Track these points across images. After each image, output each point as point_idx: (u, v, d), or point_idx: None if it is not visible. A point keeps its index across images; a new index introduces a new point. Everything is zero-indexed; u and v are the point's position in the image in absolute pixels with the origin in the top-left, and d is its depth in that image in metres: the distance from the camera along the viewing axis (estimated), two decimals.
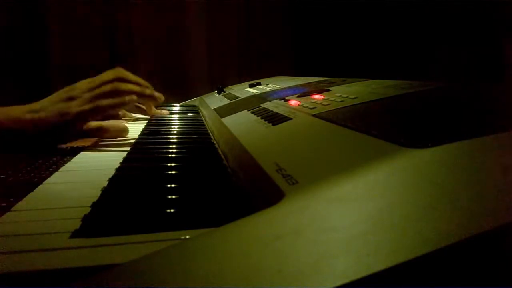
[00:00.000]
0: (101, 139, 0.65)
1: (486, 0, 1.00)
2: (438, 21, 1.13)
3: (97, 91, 0.62)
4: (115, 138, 0.65)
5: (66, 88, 0.63)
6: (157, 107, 0.88)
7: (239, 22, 1.57)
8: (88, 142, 0.66)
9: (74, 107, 0.59)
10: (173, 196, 0.34)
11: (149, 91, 0.70)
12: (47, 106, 0.59)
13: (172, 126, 0.74)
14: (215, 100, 0.91)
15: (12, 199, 0.34)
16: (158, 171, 0.42)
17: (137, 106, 0.83)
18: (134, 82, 0.68)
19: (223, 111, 0.68)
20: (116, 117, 0.76)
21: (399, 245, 0.16)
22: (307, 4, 1.51)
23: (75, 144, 0.66)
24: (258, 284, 0.15)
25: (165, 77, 1.50)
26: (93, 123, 0.66)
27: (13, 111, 0.58)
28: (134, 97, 0.64)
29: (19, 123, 0.57)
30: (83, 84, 0.63)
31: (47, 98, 0.62)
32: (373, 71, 0.71)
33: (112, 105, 0.62)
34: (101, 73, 0.65)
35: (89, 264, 0.22)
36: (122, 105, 0.64)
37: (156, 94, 0.73)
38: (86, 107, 0.60)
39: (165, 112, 0.78)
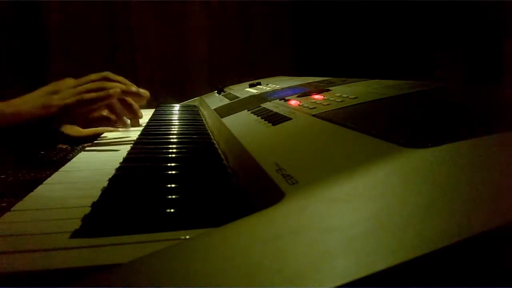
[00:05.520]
0: (101, 139, 0.65)
1: (486, 0, 1.00)
2: (438, 21, 1.13)
3: (82, 87, 0.63)
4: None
5: (50, 84, 0.63)
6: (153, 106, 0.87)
7: (239, 22, 1.57)
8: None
9: (57, 100, 0.60)
10: (173, 196, 0.34)
11: (134, 88, 0.70)
12: (30, 100, 0.60)
13: (172, 126, 0.74)
14: (215, 100, 0.91)
15: (12, 199, 0.34)
16: (158, 171, 0.42)
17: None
18: (121, 82, 0.68)
19: (223, 111, 0.68)
20: (109, 123, 0.75)
21: (399, 245, 0.16)
22: (307, 4, 1.51)
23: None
24: (258, 283, 0.15)
25: (165, 77, 1.50)
26: (89, 130, 0.67)
27: None
28: (118, 90, 0.65)
29: (1, 116, 0.57)
30: (68, 81, 0.64)
31: (30, 93, 0.62)
32: (373, 71, 0.71)
33: (96, 98, 0.62)
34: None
35: (89, 264, 0.22)
36: (107, 98, 0.64)
37: (141, 91, 0.73)
38: (71, 100, 0.60)
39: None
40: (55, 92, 0.61)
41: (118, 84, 0.67)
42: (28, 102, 0.59)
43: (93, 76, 0.66)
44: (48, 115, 0.58)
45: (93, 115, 0.69)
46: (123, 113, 0.67)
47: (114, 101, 0.65)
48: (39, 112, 0.58)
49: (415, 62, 1.20)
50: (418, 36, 1.18)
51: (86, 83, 0.64)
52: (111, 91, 0.64)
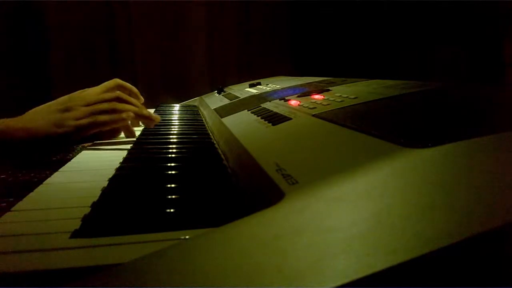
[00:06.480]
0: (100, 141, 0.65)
1: (486, 0, 1.00)
2: (438, 21, 1.13)
3: (95, 107, 0.62)
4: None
5: (62, 99, 0.62)
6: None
7: (239, 22, 1.57)
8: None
9: (71, 120, 0.59)
10: (173, 196, 0.34)
11: (146, 112, 0.69)
12: (40, 117, 0.59)
13: (172, 126, 0.74)
14: (215, 100, 0.91)
15: (12, 199, 0.34)
16: (158, 171, 0.42)
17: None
18: (133, 104, 0.67)
19: (223, 111, 0.68)
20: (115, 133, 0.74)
21: (399, 245, 0.16)
22: (307, 4, 1.51)
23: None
24: (258, 283, 0.15)
25: (165, 77, 1.50)
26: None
27: (5, 121, 0.57)
28: (132, 114, 0.64)
29: (11, 132, 0.56)
30: (80, 96, 0.64)
31: (41, 106, 0.61)
32: (373, 71, 0.71)
33: (110, 121, 0.62)
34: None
35: (89, 264, 0.22)
36: (120, 121, 0.64)
37: (153, 115, 0.72)
38: (84, 121, 0.60)
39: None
40: (67, 109, 0.60)
41: (131, 107, 0.66)
42: (38, 119, 0.58)
43: (106, 95, 0.65)
44: (60, 134, 0.58)
45: (105, 135, 0.69)
46: (135, 134, 0.67)
47: (128, 123, 0.65)
48: (51, 130, 0.57)
49: (415, 62, 1.20)
50: (418, 36, 1.18)
51: (99, 101, 0.63)
52: (124, 115, 0.63)
